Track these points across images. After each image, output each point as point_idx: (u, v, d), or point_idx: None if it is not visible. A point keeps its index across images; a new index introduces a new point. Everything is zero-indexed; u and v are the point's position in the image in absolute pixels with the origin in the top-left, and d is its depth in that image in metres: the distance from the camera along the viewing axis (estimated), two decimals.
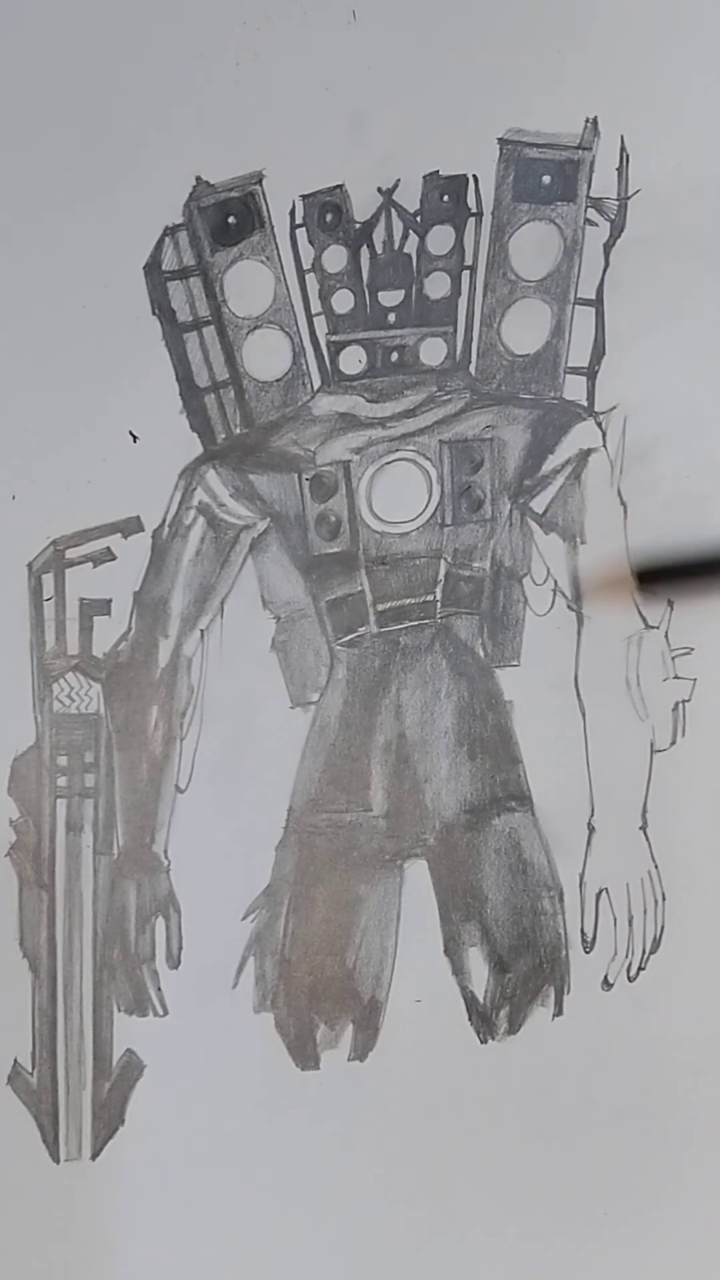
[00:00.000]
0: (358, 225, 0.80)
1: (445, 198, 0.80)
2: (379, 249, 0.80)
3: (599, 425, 0.79)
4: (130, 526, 0.82)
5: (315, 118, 0.80)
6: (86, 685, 0.82)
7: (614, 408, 0.79)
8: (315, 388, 0.81)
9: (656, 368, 0.78)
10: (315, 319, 0.81)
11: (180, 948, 0.81)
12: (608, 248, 0.79)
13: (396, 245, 0.80)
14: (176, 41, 0.82)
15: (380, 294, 0.81)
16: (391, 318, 0.81)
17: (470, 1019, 0.79)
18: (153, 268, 0.82)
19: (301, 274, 0.81)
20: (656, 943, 0.77)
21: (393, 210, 0.80)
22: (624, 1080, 0.77)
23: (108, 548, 0.82)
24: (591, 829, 0.78)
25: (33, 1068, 0.82)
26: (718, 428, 0.77)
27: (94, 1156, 0.81)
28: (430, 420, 0.80)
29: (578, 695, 0.79)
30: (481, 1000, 0.79)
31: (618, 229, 0.79)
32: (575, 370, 0.79)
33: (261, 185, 0.81)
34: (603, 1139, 0.77)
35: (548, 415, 0.80)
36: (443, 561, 0.80)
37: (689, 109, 0.78)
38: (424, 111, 0.79)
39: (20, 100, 0.83)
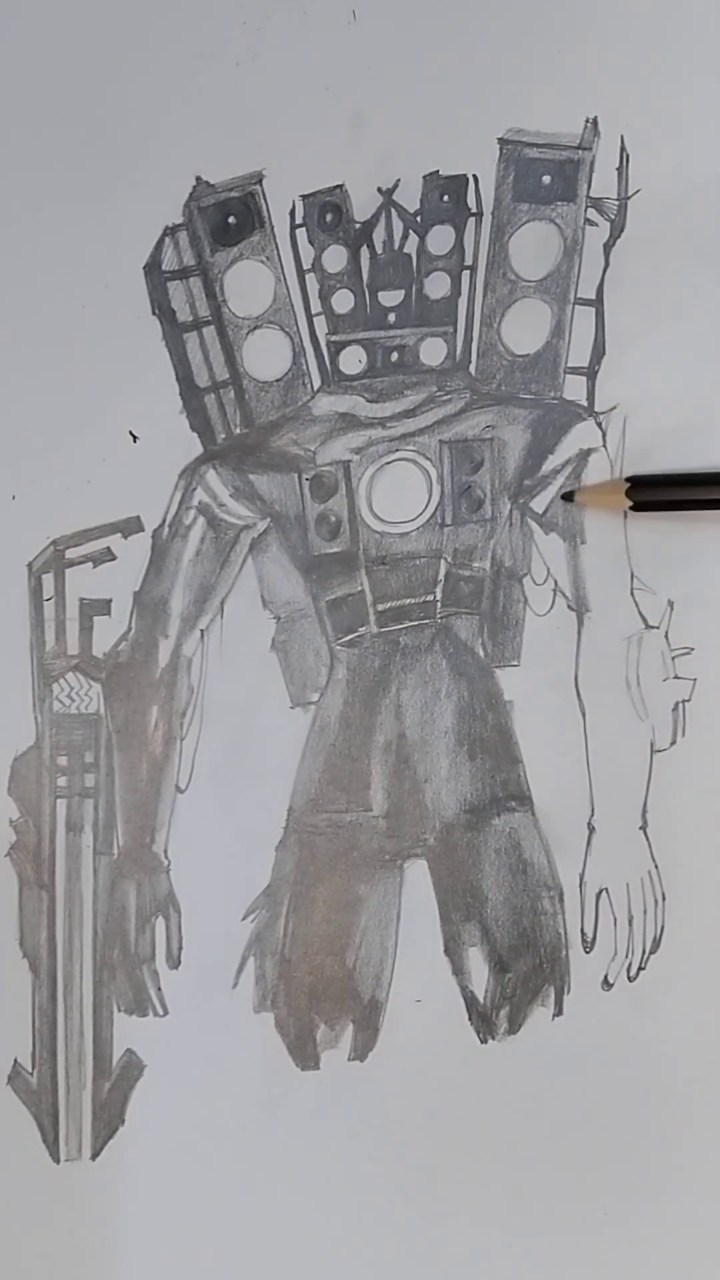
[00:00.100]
0: (358, 225, 0.80)
1: (445, 198, 0.80)
2: (379, 249, 0.80)
3: (599, 425, 0.79)
4: (130, 526, 0.82)
5: (315, 118, 0.80)
6: (86, 685, 0.82)
7: (614, 408, 0.79)
8: (315, 388, 0.81)
9: (657, 367, 0.78)
10: (315, 319, 0.81)
11: (180, 948, 0.81)
12: (608, 248, 0.79)
13: (396, 245, 0.80)
14: (176, 42, 0.82)
15: (380, 294, 0.81)
16: (391, 318, 0.81)
17: (470, 1019, 0.79)
18: (153, 268, 0.82)
19: (301, 274, 0.81)
20: (656, 943, 0.78)
21: (393, 210, 0.80)
22: (624, 1080, 0.77)
23: (108, 548, 0.82)
24: (591, 829, 0.78)
25: (33, 1068, 0.82)
26: (718, 428, 0.77)
27: (94, 1156, 0.81)
28: (430, 420, 0.80)
29: (578, 695, 0.79)
30: (481, 1000, 0.79)
31: (618, 229, 0.79)
32: (575, 370, 0.79)
33: (261, 185, 0.81)
34: (603, 1139, 0.77)
35: (548, 415, 0.80)
36: (443, 561, 0.80)
37: (689, 109, 0.78)
38: (424, 111, 0.79)
39: (19, 100, 0.83)
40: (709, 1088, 0.77)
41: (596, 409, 0.79)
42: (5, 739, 0.83)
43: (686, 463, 0.77)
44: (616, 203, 0.79)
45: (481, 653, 0.80)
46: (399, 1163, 0.79)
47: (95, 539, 0.82)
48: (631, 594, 0.79)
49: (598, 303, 0.79)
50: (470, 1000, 0.79)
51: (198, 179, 0.82)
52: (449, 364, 0.80)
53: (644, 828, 0.78)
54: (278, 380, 0.82)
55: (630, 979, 0.78)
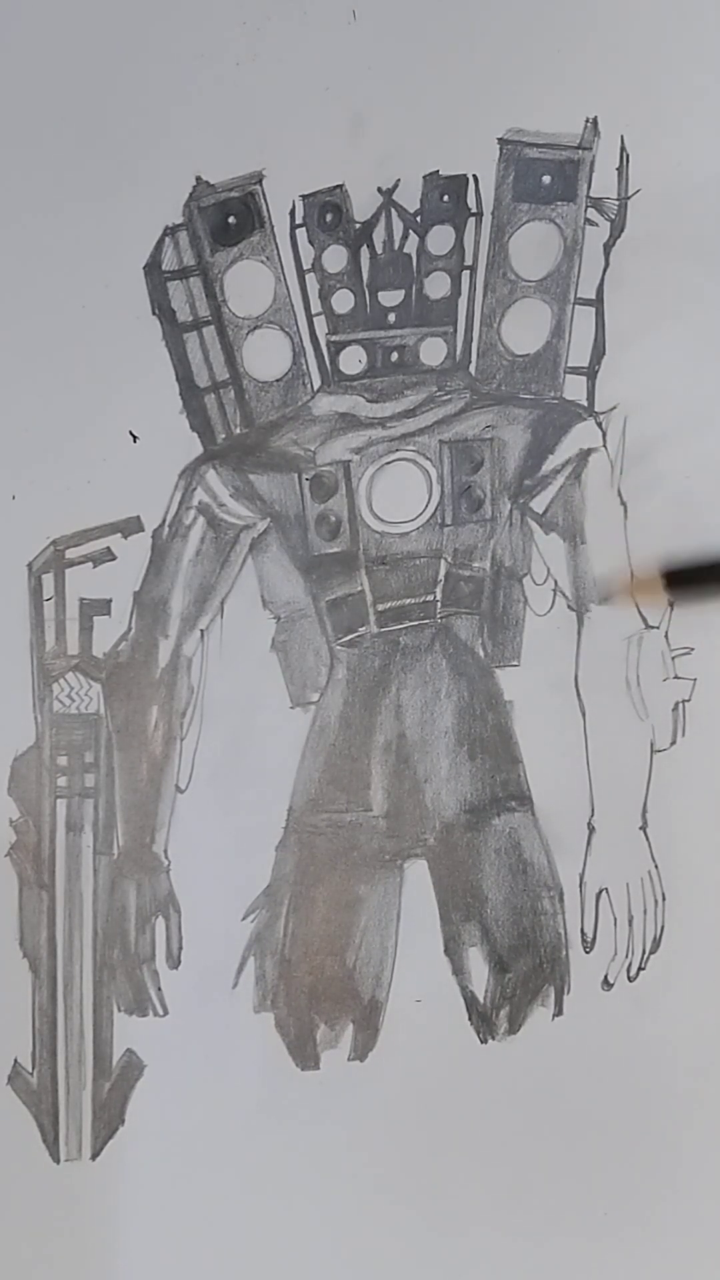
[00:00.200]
0: (358, 225, 0.80)
1: (445, 198, 0.80)
2: (379, 249, 0.80)
3: (599, 425, 0.79)
4: (130, 526, 0.82)
5: (315, 118, 0.80)
6: (86, 685, 0.82)
7: (614, 408, 0.79)
8: (315, 388, 0.81)
9: (657, 367, 0.78)
10: (315, 319, 0.81)
11: (180, 948, 0.81)
12: (608, 248, 0.79)
13: (396, 245, 0.80)
14: (176, 42, 0.82)
15: (380, 294, 0.81)
16: (391, 318, 0.81)
17: (470, 1019, 0.79)
18: (153, 268, 0.82)
19: (301, 274, 0.81)
20: (656, 943, 0.77)
21: (393, 210, 0.80)
22: (624, 1080, 0.77)
23: (108, 548, 0.82)
24: (591, 829, 0.78)
25: (33, 1068, 0.82)
26: (718, 428, 0.77)
27: (94, 1156, 0.81)
28: (430, 420, 0.80)
29: (578, 695, 0.79)
30: (482, 1000, 0.79)
31: (618, 229, 0.79)
32: (575, 370, 0.79)
33: (261, 185, 0.81)
34: (603, 1139, 0.77)
35: (548, 415, 0.80)
36: (443, 561, 0.80)
37: (690, 109, 0.78)
38: (424, 111, 0.79)
39: (19, 101, 0.83)
40: (709, 1088, 0.77)
41: (596, 409, 0.79)
42: (5, 739, 0.83)
43: (687, 463, 0.77)
44: (616, 203, 0.79)
45: (481, 653, 0.80)
46: (399, 1162, 0.79)
47: (95, 539, 0.82)
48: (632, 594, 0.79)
49: (598, 302, 0.79)
50: (470, 1000, 0.79)
51: (198, 179, 0.82)
52: (449, 364, 0.80)
53: (644, 828, 0.78)
54: (278, 380, 0.82)
55: (630, 979, 0.78)
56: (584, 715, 0.78)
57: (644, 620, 0.78)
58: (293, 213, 0.81)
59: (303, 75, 0.80)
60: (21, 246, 0.83)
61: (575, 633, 0.79)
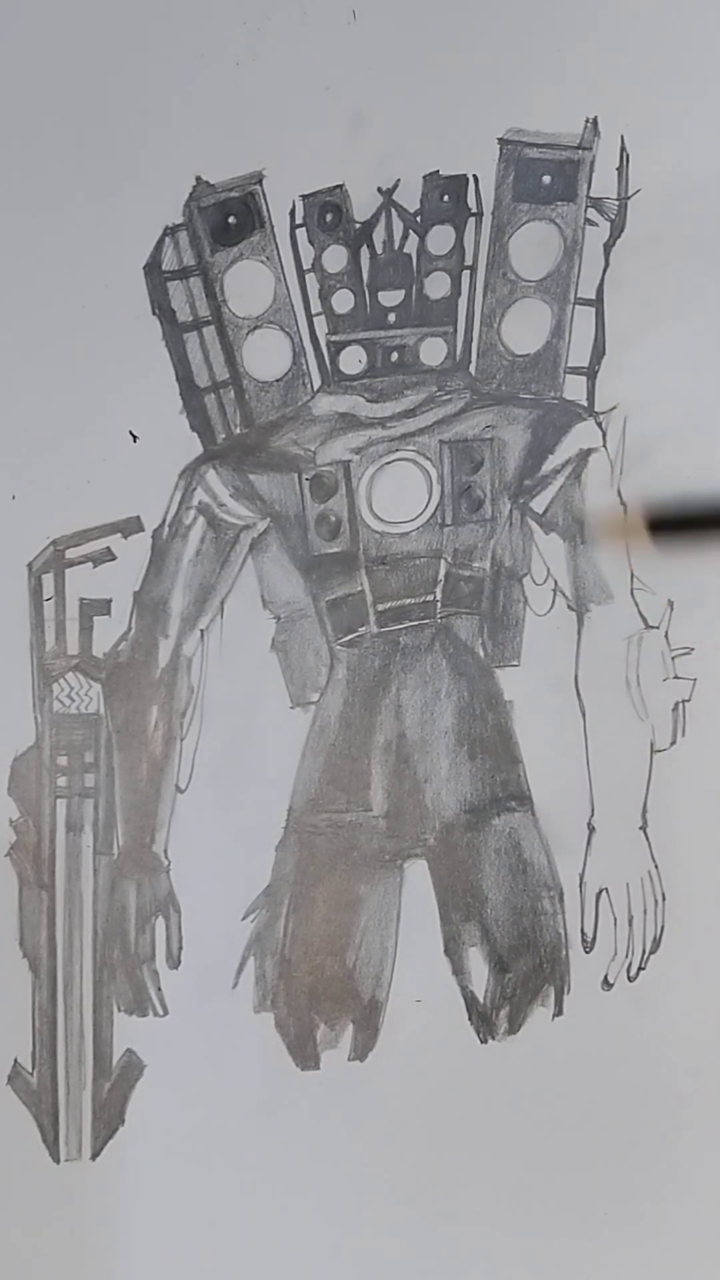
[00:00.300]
0: (358, 225, 0.80)
1: (445, 197, 0.80)
2: (379, 249, 0.80)
3: (599, 425, 0.79)
4: (130, 526, 0.82)
5: (315, 118, 0.80)
6: (86, 685, 0.82)
7: (614, 408, 0.79)
8: (315, 388, 0.81)
9: (656, 367, 0.78)
10: (315, 319, 0.81)
11: (180, 948, 0.81)
12: (608, 247, 0.79)
13: (396, 245, 0.80)
14: (177, 42, 0.82)
15: (380, 294, 0.81)
16: (391, 318, 0.81)
17: (470, 1019, 0.79)
18: (153, 268, 0.82)
19: (301, 274, 0.81)
20: (656, 943, 0.77)
21: (393, 210, 0.80)
22: (624, 1080, 0.77)
23: (108, 548, 0.82)
24: (591, 829, 0.78)
25: (33, 1068, 0.82)
26: (718, 428, 0.77)
27: (94, 1156, 0.81)
28: (430, 420, 0.80)
29: (578, 695, 0.79)
30: (482, 1000, 0.79)
31: (618, 229, 0.79)
32: (575, 370, 0.79)
33: (261, 185, 0.81)
34: (603, 1139, 0.77)
35: (548, 415, 0.80)
36: (443, 561, 0.80)
37: (689, 109, 0.78)
38: (424, 111, 0.79)
39: (20, 101, 0.83)
40: (708, 1087, 0.77)
41: (596, 409, 0.79)
42: (5, 739, 0.83)
43: (686, 463, 0.77)
44: (616, 202, 0.79)
45: (481, 653, 0.80)
46: (399, 1162, 0.79)
47: (95, 539, 0.82)
48: (631, 594, 0.79)
49: (598, 302, 0.79)
50: (470, 1000, 0.79)
51: (198, 179, 0.82)
52: (449, 364, 0.80)
53: (644, 828, 0.78)
54: (278, 380, 0.82)
55: (630, 979, 0.78)
56: (584, 715, 0.78)
57: (644, 620, 0.78)
58: (293, 213, 0.81)
59: (303, 75, 0.80)
60: (22, 246, 0.83)
61: (575, 633, 0.79)
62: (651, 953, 0.78)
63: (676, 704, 0.78)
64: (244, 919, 0.80)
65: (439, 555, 0.80)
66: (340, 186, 0.80)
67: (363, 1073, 0.79)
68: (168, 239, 0.82)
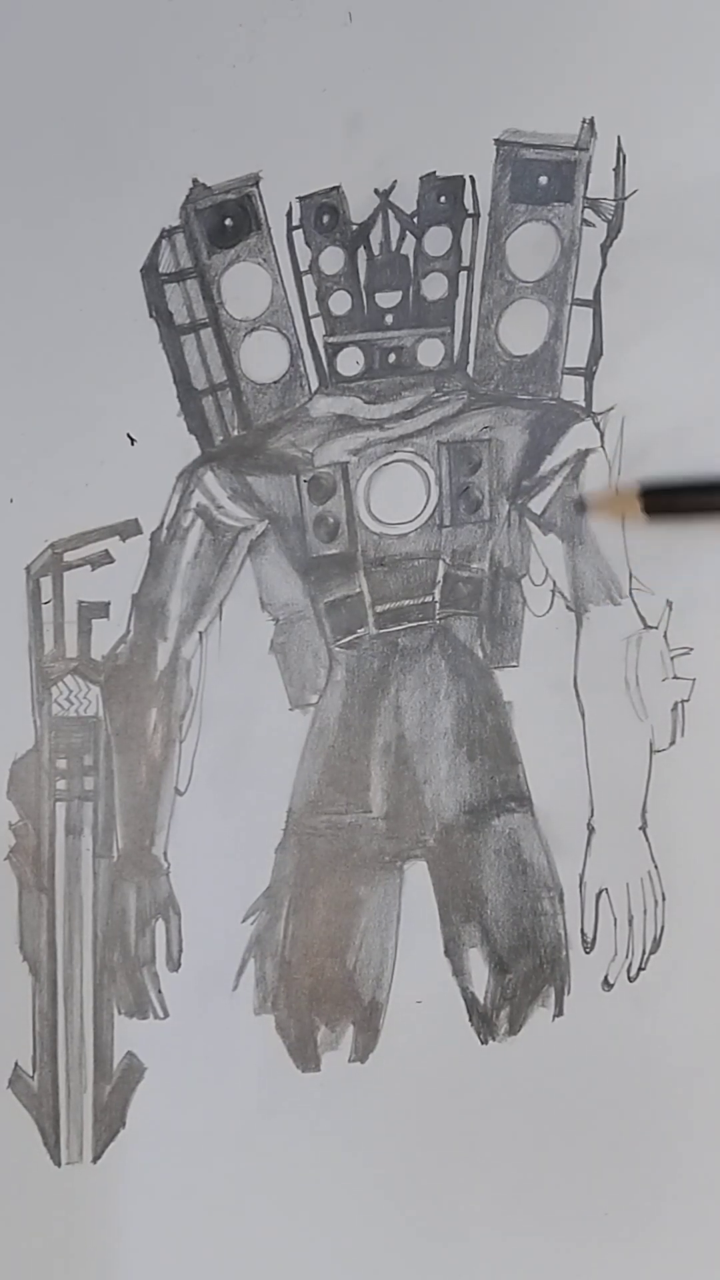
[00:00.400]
0: (355, 227, 0.80)
1: (442, 199, 0.80)
2: (376, 250, 0.80)
3: (597, 426, 0.79)
4: (128, 529, 0.82)
5: (312, 119, 0.80)
6: (85, 688, 0.82)
7: (612, 408, 0.79)
8: (313, 389, 0.81)
9: (655, 368, 0.78)
10: (313, 321, 0.81)
11: (180, 950, 0.81)
12: (605, 248, 0.79)
13: (393, 246, 0.80)
14: (172, 43, 0.82)
15: (377, 295, 0.81)
16: (389, 319, 0.81)
17: (471, 1020, 0.79)
18: (149, 270, 0.82)
19: (298, 275, 0.81)
20: (656, 943, 0.78)
21: (390, 211, 0.80)
22: (624, 1080, 0.77)
23: (106, 550, 0.82)
24: (591, 829, 0.78)
25: (33, 1071, 0.82)
26: (716, 427, 0.77)
27: (95, 1159, 0.81)
28: (428, 421, 0.80)
29: (577, 696, 0.79)
30: (482, 1001, 0.79)
31: (615, 229, 0.79)
32: (573, 371, 0.79)
33: (258, 187, 0.81)
34: (603, 1139, 0.77)
35: (546, 416, 0.80)
36: (441, 562, 0.80)
37: (686, 110, 0.78)
38: (421, 113, 0.79)
39: (15, 104, 0.83)
40: (709, 1088, 0.77)
41: (594, 409, 0.79)
42: (4, 742, 0.83)
43: (685, 462, 0.77)
44: (613, 203, 0.79)
45: (480, 654, 0.80)
46: (400, 1164, 0.79)
47: (93, 542, 0.82)
48: (630, 594, 0.79)
49: (595, 303, 0.79)
50: (471, 1001, 0.79)
51: (194, 181, 0.81)
52: (446, 365, 0.80)
53: (644, 828, 0.78)
54: (275, 382, 0.82)
55: (630, 979, 0.78)
56: (583, 716, 0.79)
57: (643, 620, 0.78)
58: (289, 214, 0.81)
59: (299, 77, 0.80)
60: (17, 249, 0.83)
61: (574, 633, 0.79)
62: (652, 953, 0.78)
63: (676, 704, 0.78)
64: (244, 921, 0.80)
65: (437, 556, 0.80)
66: (337, 188, 0.80)
67: (363, 1074, 0.79)
68: (164, 241, 0.82)
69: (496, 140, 0.79)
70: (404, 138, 0.80)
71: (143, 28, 0.82)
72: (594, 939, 0.78)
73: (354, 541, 0.81)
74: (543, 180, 0.79)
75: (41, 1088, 0.82)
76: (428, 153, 0.80)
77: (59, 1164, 0.82)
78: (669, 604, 0.78)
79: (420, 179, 0.80)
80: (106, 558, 0.82)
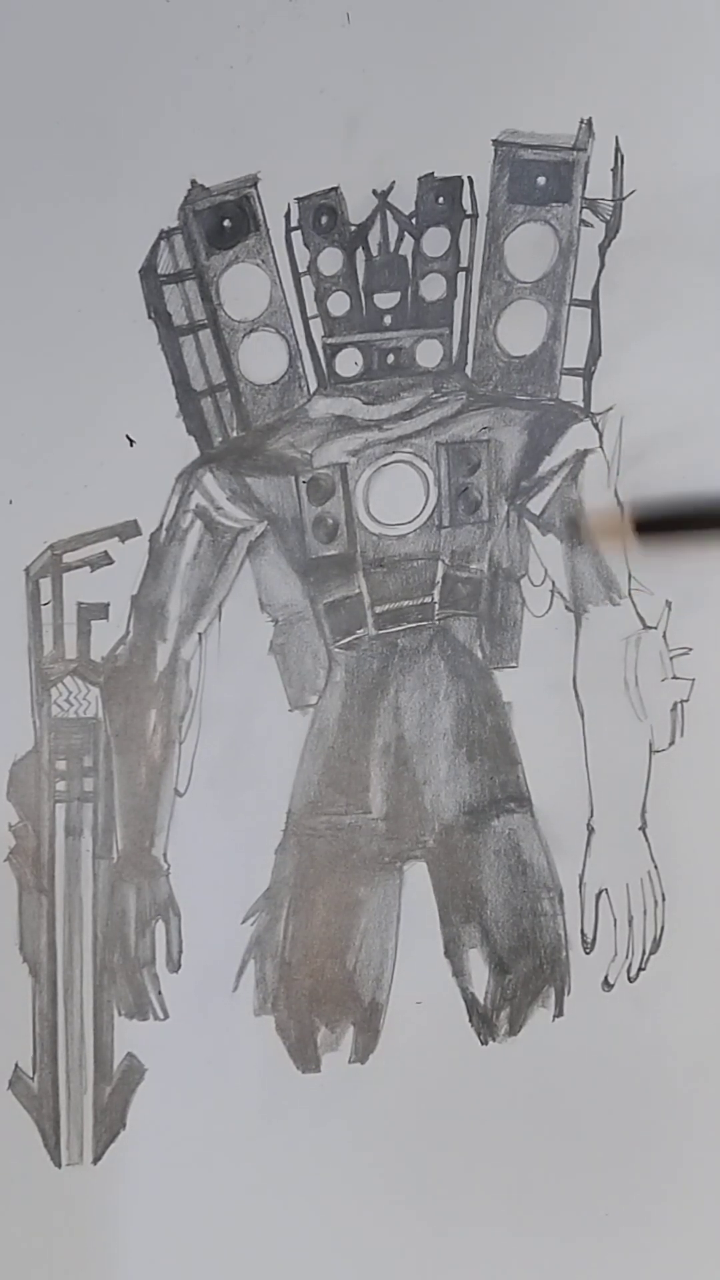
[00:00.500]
0: (353, 228, 0.80)
1: (440, 199, 0.80)
2: (374, 251, 0.80)
3: (595, 426, 0.79)
4: (127, 530, 0.82)
5: (310, 120, 0.80)
6: (85, 689, 0.82)
7: (610, 408, 0.79)
8: (312, 390, 0.81)
9: (653, 368, 0.78)
10: (311, 321, 0.81)
11: (180, 951, 0.81)
12: (603, 248, 0.79)
13: (392, 247, 0.80)
14: (171, 45, 0.82)
15: (376, 296, 0.81)
16: (387, 320, 0.81)
17: (471, 1020, 0.79)
18: (148, 271, 0.82)
19: (297, 277, 0.81)
20: (656, 943, 0.77)
21: (388, 212, 0.80)
22: (624, 1080, 0.77)
23: (105, 552, 0.82)
24: (591, 830, 0.78)
25: (34, 1072, 0.82)
26: (714, 428, 0.77)
27: (95, 1160, 0.81)
28: (427, 422, 0.80)
29: (576, 696, 0.79)
30: (482, 1001, 0.79)
31: (613, 230, 0.79)
32: (571, 371, 0.79)
33: (257, 188, 0.81)
34: (603, 1139, 0.77)
35: (544, 416, 0.80)
36: (440, 563, 0.80)
37: (683, 110, 0.78)
38: (419, 113, 0.79)
39: (15, 105, 0.83)
40: (709, 1087, 0.77)
41: (593, 409, 0.79)
42: (4, 744, 0.83)
43: (684, 462, 0.77)
44: (611, 203, 0.79)
45: (480, 654, 0.80)
46: (400, 1164, 0.79)
47: (93, 543, 0.82)
48: (630, 594, 0.79)
49: (593, 303, 0.79)
50: (471, 1002, 0.79)
51: (193, 182, 0.81)
52: (445, 365, 0.80)
53: (643, 828, 0.78)
54: (274, 383, 0.82)
55: (630, 979, 0.78)
56: (583, 716, 0.78)
57: (642, 621, 0.78)
58: (288, 215, 0.81)
59: (297, 78, 0.80)
60: (17, 250, 0.83)
61: (573, 634, 0.79)
62: (651, 953, 0.78)
63: (675, 704, 0.78)
64: (244, 922, 0.80)
65: (436, 557, 0.80)
66: (335, 189, 0.80)
67: (363, 1075, 0.79)
68: (163, 243, 0.82)
69: (495, 141, 0.79)
70: (402, 139, 0.80)
71: (141, 30, 0.82)
72: (594, 939, 0.78)
73: (353, 542, 0.81)
74: (541, 181, 0.79)
75: (42, 1089, 0.82)
76: (426, 154, 0.80)
77: (59, 1165, 0.81)
78: (668, 604, 0.78)
79: (419, 180, 0.80)
80: (106, 559, 0.82)
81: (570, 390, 0.79)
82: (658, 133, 0.78)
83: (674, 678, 0.78)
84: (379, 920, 0.80)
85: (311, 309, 0.81)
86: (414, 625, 0.80)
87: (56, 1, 0.83)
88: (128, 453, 0.82)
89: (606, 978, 0.78)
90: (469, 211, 0.79)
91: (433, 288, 0.80)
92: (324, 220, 0.81)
